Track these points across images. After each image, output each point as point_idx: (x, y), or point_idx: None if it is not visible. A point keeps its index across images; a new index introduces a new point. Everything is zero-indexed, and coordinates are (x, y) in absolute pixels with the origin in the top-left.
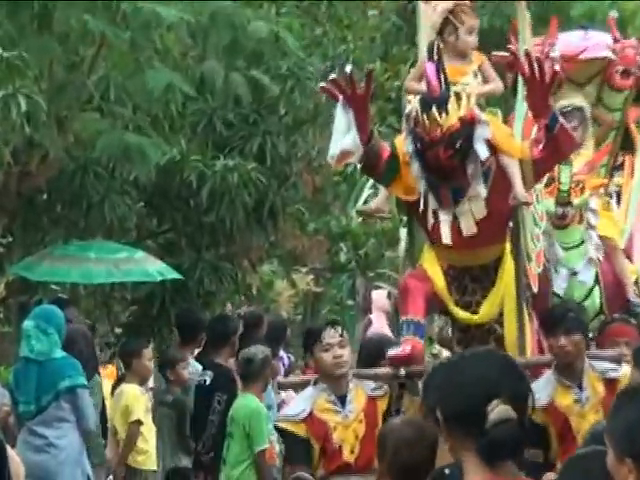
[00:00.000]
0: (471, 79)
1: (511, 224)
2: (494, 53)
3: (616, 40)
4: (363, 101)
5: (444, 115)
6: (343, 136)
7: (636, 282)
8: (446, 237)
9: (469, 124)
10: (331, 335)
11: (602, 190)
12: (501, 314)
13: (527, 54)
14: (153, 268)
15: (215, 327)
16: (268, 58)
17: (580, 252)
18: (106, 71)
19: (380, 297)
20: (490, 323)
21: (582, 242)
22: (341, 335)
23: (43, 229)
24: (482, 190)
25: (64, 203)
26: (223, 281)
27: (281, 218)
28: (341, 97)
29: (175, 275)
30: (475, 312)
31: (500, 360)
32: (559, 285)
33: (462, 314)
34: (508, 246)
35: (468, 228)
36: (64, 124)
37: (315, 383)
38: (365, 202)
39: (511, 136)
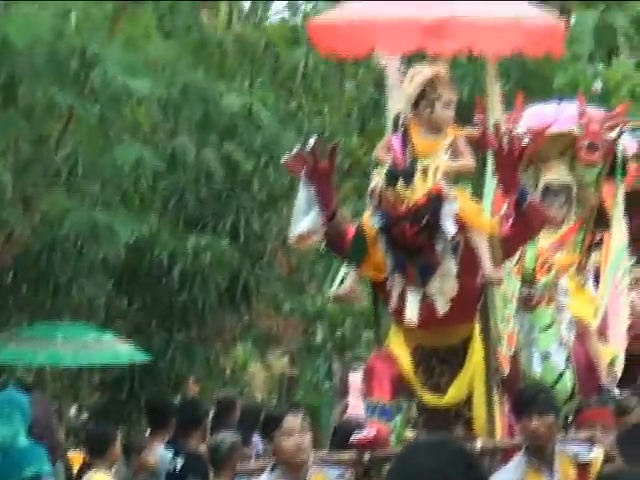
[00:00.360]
0: (442, 153)
1: (480, 304)
2: (477, 118)
3: (582, 114)
4: (326, 176)
5: (410, 190)
6: (304, 215)
7: (612, 362)
8: (412, 316)
9: (436, 199)
10: (292, 421)
11: (575, 268)
12: (470, 397)
13: (496, 127)
14: (122, 350)
15: (185, 411)
16: (241, 132)
17: (552, 334)
18: (74, 147)
19: (358, 380)
20: (458, 406)
21: (552, 324)
22: (302, 421)
23: (8, 310)
24: (453, 267)
25: (30, 283)
26: (195, 364)
27: (255, 298)
28: (303, 172)
29: (145, 358)
30: (442, 395)
31: (451, 450)
32: (532, 368)
33: (429, 397)
34: (477, 327)
35: (442, 307)
36: (30, 202)
37: (273, 469)
38: (341, 281)
39: (480, 212)
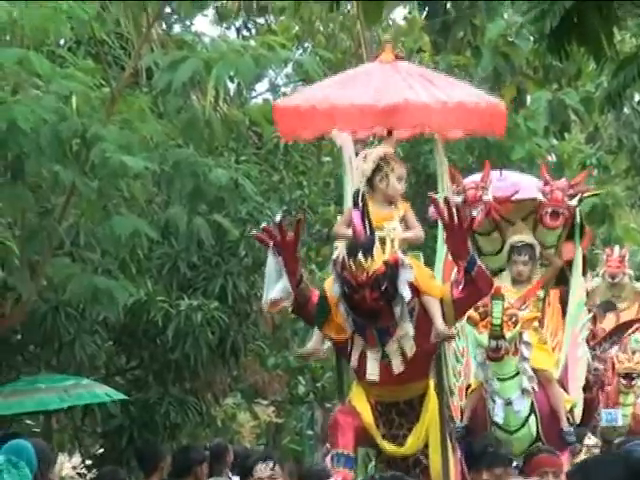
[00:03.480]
0: (396, 224)
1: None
2: (430, 194)
3: (546, 183)
4: (292, 247)
5: (370, 260)
6: (274, 282)
7: (571, 410)
8: (373, 375)
9: (393, 267)
10: (262, 469)
11: (538, 324)
12: (426, 446)
13: (446, 201)
14: (101, 391)
15: (178, 458)
16: (228, 203)
17: (515, 383)
18: (76, 218)
19: None
20: (416, 455)
21: (517, 373)
22: (272, 469)
23: (17, 367)
24: (410, 329)
25: (37, 342)
26: (188, 414)
27: (242, 354)
28: (271, 244)
29: (121, 396)
30: (401, 445)
31: None
32: (497, 414)
33: (389, 447)
34: (432, 382)
35: (397, 366)
36: (36, 268)
37: None
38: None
39: (432, 278)
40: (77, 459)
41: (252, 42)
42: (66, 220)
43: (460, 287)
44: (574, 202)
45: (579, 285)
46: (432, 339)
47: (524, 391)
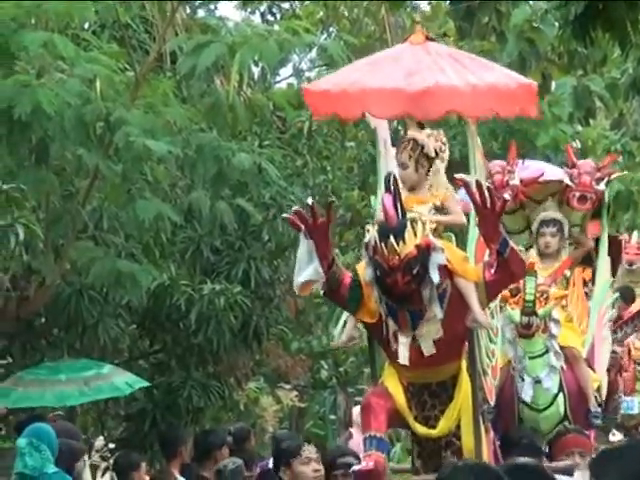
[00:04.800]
0: (426, 210)
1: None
2: (457, 176)
3: (573, 165)
4: (324, 231)
5: (401, 244)
6: (306, 265)
7: (598, 389)
8: (404, 358)
9: (425, 251)
10: (310, 450)
11: (565, 301)
12: (458, 427)
13: (478, 184)
14: (121, 381)
15: (199, 441)
16: (252, 188)
17: (544, 361)
18: (99, 202)
19: (359, 412)
20: (448, 436)
21: (546, 351)
22: (317, 452)
23: (41, 351)
24: (439, 312)
25: (60, 326)
26: (211, 398)
27: (265, 338)
28: (303, 227)
29: (143, 384)
30: (434, 426)
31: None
32: (526, 392)
33: (421, 429)
34: (465, 363)
35: (428, 349)
36: (60, 252)
37: None
38: (343, 325)
39: (466, 260)
40: (100, 442)
41: (276, 27)
42: (90, 204)
43: (493, 270)
44: (602, 186)
45: (605, 265)
46: (468, 324)
47: (552, 369)
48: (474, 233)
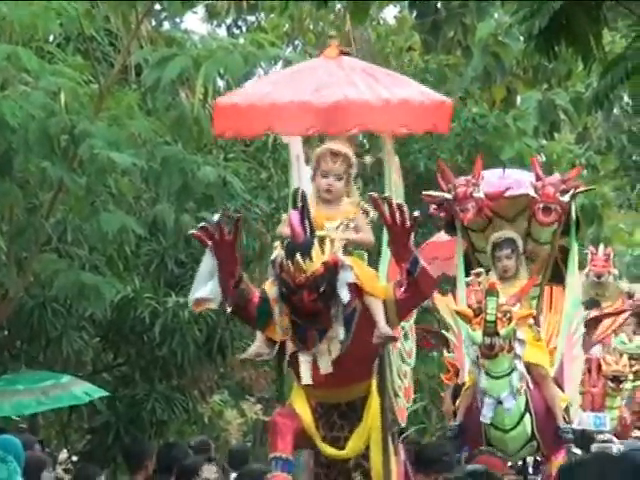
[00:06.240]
0: (338, 224)
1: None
2: (424, 193)
3: (538, 178)
4: (230, 248)
5: (308, 261)
6: (204, 282)
7: (566, 409)
8: (306, 378)
9: (333, 269)
10: (210, 470)
11: (532, 321)
12: (368, 448)
13: (388, 202)
14: (80, 390)
15: (162, 455)
16: (217, 201)
17: (506, 381)
18: (63, 214)
19: None
20: (357, 458)
21: (512, 371)
22: (217, 472)
23: (3, 363)
24: (340, 333)
25: (23, 338)
26: (175, 411)
27: (230, 351)
28: (210, 243)
29: (100, 394)
30: (342, 448)
31: None
32: (485, 414)
33: (329, 450)
34: (374, 383)
35: (325, 367)
36: (23, 264)
37: None
38: None
39: (375, 278)
40: (64, 455)
41: (242, 39)
42: (54, 216)
43: (403, 288)
44: (566, 198)
45: (575, 283)
46: (374, 340)
47: (515, 389)
48: (387, 252)
